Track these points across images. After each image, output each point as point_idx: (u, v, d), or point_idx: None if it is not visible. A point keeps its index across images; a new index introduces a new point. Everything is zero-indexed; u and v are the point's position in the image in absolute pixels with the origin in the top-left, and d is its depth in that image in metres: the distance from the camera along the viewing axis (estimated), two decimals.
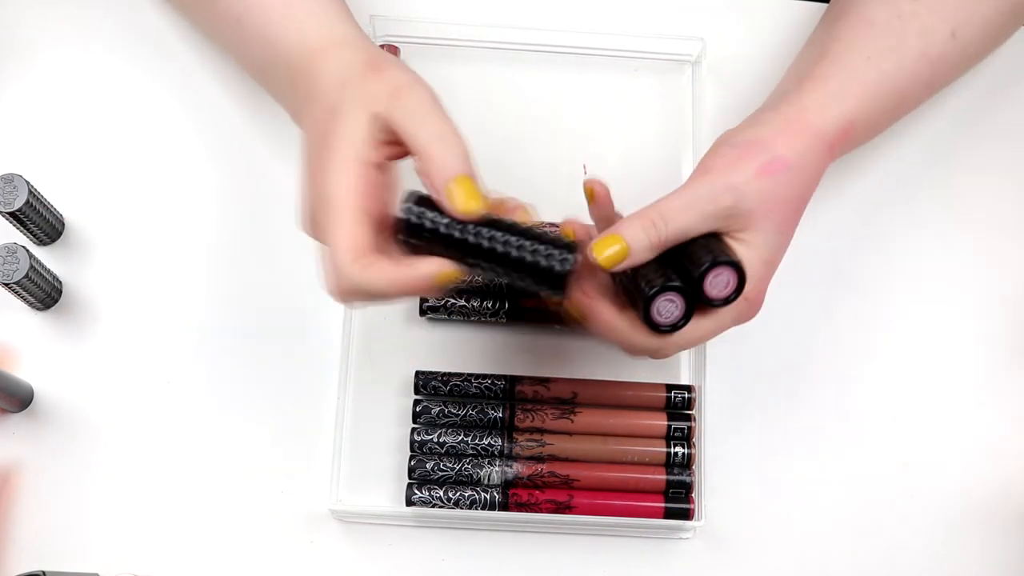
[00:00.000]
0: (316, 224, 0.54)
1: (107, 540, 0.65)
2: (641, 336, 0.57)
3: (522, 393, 0.67)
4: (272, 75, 0.63)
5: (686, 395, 0.67)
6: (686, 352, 0.69)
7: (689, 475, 0.66)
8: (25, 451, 0.66)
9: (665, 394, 0.67)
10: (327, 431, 0.67)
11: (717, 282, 0.56)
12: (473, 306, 0.68)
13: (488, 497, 0.65)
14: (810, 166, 0.60)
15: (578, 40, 0.74)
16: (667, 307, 0.55)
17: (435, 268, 0.52)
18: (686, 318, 0.56)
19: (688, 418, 0.67)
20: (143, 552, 0.65)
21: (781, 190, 0.58)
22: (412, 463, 0.65)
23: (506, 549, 0.66)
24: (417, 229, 0.52)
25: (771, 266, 0.59)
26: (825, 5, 0.75)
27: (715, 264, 0.55)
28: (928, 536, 0.67)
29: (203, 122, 0.72)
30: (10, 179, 0.65)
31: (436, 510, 0.64)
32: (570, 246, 0.52)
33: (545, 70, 0.74)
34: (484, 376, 0.67)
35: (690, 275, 0.56)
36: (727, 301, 0.56)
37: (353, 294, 0.52)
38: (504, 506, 0.64)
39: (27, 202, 0.65)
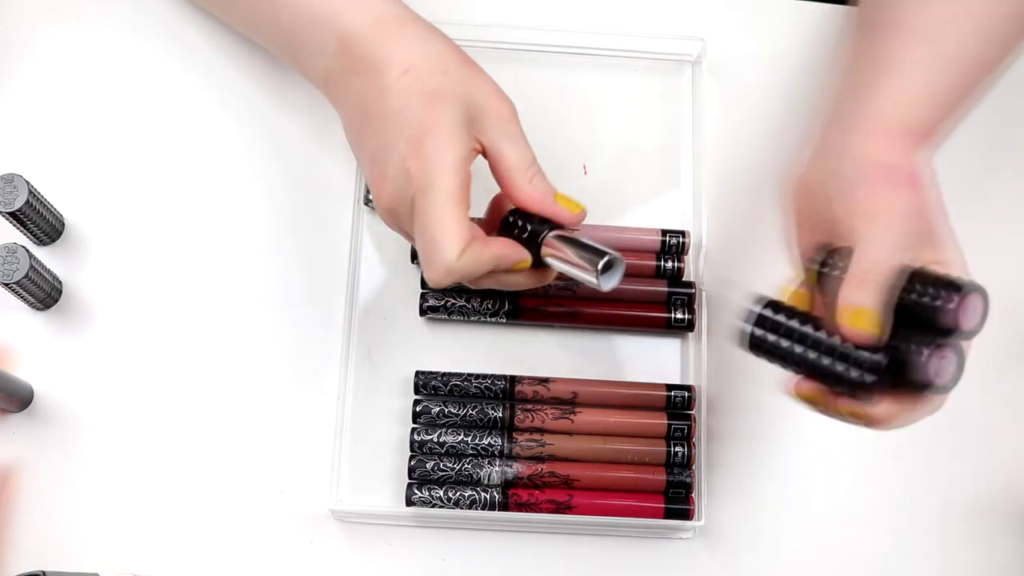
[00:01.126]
0: (409, 206, 0.56)
1: (107, 540, 0.65)
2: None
3: (522, 393, 0.67)
4: (309, 44, 0.62)
5: (686, 395, 0.67)
6: (686, 352, 0.69)
7: (689, 475, 0.66)
8: (25, 451, 0.66)
9: (665, 394, 0.67)
10: (327, 431, 0.67)
11: (969, 316, 0.51)
12: (473, 306, 0.68)
13: (488, 497, 0.65)
14: (926, 164, 0.58)
15: (578, 40, 0.74)
16: (942, 365, 0.50)
17: (510, 252, 0.57)
18: (960, 371, 0.51)
19: (688, 418, 0.67)
20: (143, 552, 0.65)
21: (927, 189, 0.56)
22: (412, 463, 0.65)
23: (506, 549, 0.66)
24: (761, 340, 0.55)
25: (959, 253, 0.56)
26: (827, 6, 0.75)
27: (964, 294, 0.51)
28: (928, 536, 0.67)
29: (204, 122, 0.72)
30: (10, 179, 0.65)
31: (436, 510, 0.65)
32: (874, 366, 0.52)
33: (545, 70, 0.74)
34: (484, 376, 0.67)
35: (934, 324, 0.51)
36: (945, 388, 0.51)
37: (455, 279, 0.56)
38: (504, 506, 0.64)
39: (27, 202, 0.65)
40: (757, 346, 0.55)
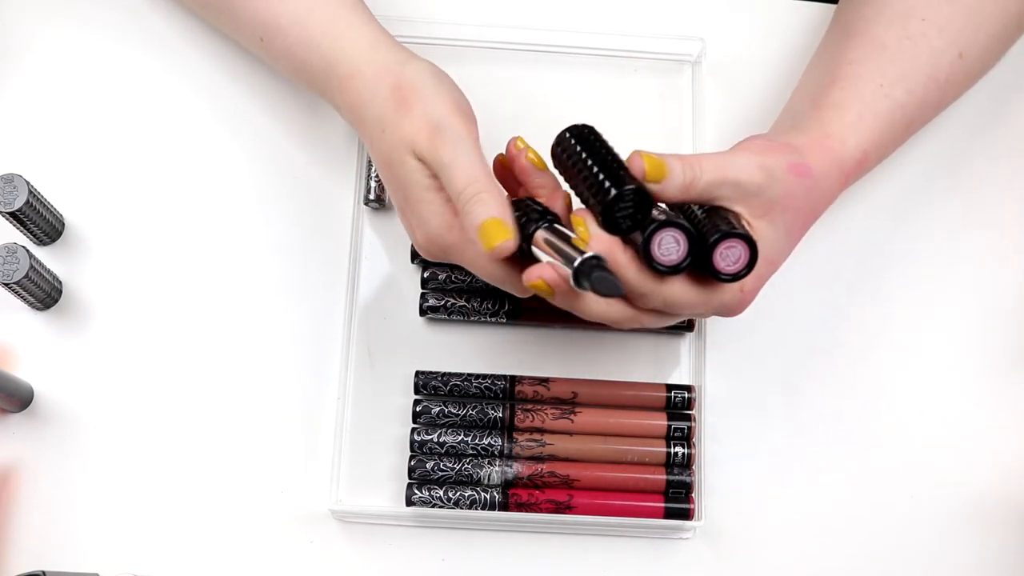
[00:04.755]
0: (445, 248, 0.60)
1: (107, 540, 0.65)
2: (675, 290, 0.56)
3: (522, 393, 0.67)
4: (316, 84, 0.65)
5: (686, 395, 0.67)
6: (686, 352, 0.69)
7: (689, 475, 0.66)
8: (25, 451, 0.66)
9: (665, 394, 0.67)
10: (327, 431, 0.67)
11: (728, 255, 0.55)
12: (473, 306, 0.68)
13: (488, 497, 0.65)
14: (826, 188, 0.60)
15: (578, 40, 0.74)
16: (668, 244, 0.54)
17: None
18: (686, 262, 0.54)
19: (688, 418, 0.67)
20: (143, 552, 0.65)
21: (801, 195, 0.58)
22: (412, 463, 0.65)
23: (506, 549, 0.66)
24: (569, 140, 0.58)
25: (772, 266, 0.59)
26: (826, 6, 0.75)
27: (730, 235, 0.54)
28: (928, 536, 0.67)
29: (204, 122, 0.72)
30: (10, 179, 0.65)
31: (436, 510, 0.65)
32: (630, 190, 0.54)
33: (545, 70, 0.74)
34: (484, 376, 0.67)
35: (703, 241, 0.55)
36: (735, 277, 0.55)
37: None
38: (504, 506, 0.64)
39: (27, 202, 0.65)
40: (562, 143, 0.58)
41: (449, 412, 0.66)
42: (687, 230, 0.54)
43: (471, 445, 0.65)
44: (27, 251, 0.64)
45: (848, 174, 0.62)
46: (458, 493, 0.65)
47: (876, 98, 0.63)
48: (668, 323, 0.59)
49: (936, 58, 0.64)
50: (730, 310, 0.58)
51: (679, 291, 0.56)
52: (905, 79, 0.63)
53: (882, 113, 0.63)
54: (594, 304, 0.56)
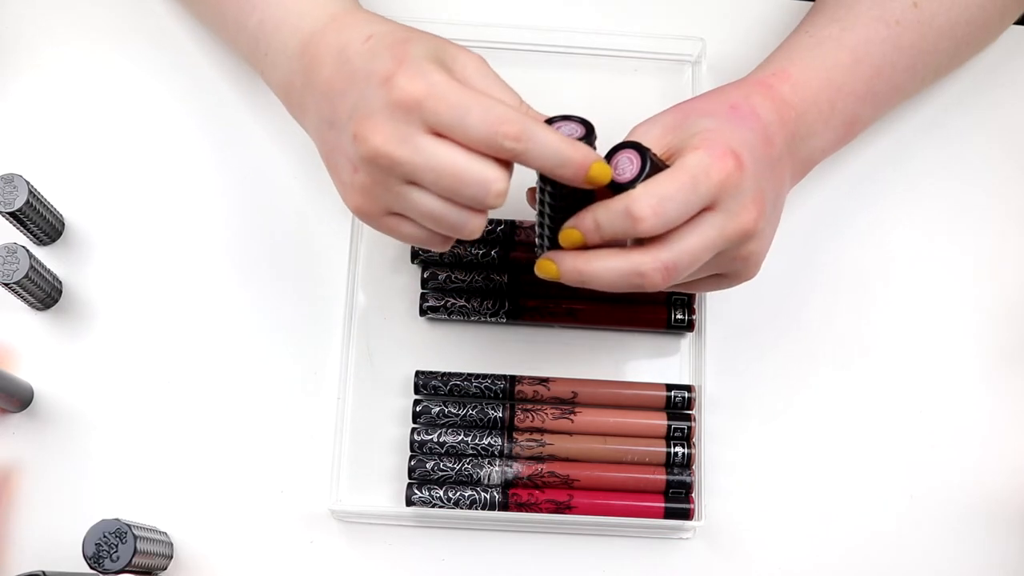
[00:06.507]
0: (415, 131, 0.54)
1: None
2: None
3: (522, 393, 0.67)
4: (273, 50, 0.62)
5: (686, 395, 0.67)
6: (686, 352, 0.69)
7: (689, 475, 0.66)
8: (25, 451, 0.66)
9: (665, 394, 0.67)
10: (327, 431, 0.67)
11: (623, 167, 0.56)
12: (473, 306, 0.68)
13: (488, 497, 0.65)
14: (747, 93, 0.61)
15: (578, 40, 0.74)
16: (624, 165, 0.56)
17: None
18: (643, 173, 0.55)
19: (688, 418, 0.67)
20: None
21: (716, 99, 0.60)
22: (412, 463, 0.65)
23: (506, 549, 0.66)
24: None
25: (737, 158, 0.57)
26: None
27: (617, 150, 0.56)
28: (928, 536, 0.67)
29: (204, 122, 0.72)
30: (10, 179, 0.65)
31: (436, 510, 0.65)
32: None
33: (545, 70, 0.74)
34: (484, 376, 0.67)
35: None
36: (635, 181, 0.55)
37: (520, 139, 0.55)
38: (504, 506, 0.65)
39: (27, 202, 0.65)
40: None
41: (449, 412, 0.66)
42: (638, 147, 0.56)
43: (471, 445, 0.65)
44: (27, 251, 0.64)
45: (771, 86, 0.62)
46: (458, 493, 0.65)
47: (799, 38, 0.65)
48: (681, 251, 0.56)
49: (883, 2, 0.65)
50: (740, 227, 0.56)
51: (655, 188, 0.55)
52: (838, 21, 0.65)
53: (806, 46, 0.64)
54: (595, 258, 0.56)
